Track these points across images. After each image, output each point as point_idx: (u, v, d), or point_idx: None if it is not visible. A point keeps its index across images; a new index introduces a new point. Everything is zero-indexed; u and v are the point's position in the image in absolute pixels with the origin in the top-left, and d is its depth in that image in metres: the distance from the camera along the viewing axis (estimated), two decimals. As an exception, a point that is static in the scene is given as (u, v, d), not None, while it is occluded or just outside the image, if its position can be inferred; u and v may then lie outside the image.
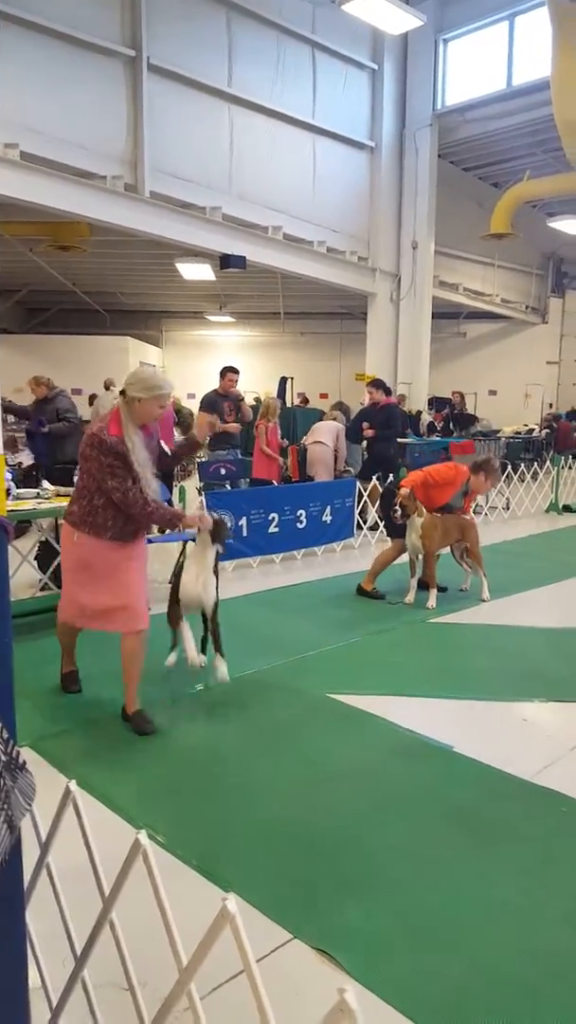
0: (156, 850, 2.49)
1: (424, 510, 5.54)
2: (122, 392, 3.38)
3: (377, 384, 9.05)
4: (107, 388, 12.33)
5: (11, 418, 9.24)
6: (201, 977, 1.27)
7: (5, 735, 1.21)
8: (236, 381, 8.07)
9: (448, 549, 5.95)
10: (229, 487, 7.80)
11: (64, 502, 5.24)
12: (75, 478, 3.69)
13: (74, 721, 3.56)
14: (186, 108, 11.00)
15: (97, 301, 19.97)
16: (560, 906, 2.32)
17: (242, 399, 8.44)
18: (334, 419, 9.57)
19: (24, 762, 1.25)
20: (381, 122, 13.88)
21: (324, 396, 19.39)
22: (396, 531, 5.75)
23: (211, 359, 17.51)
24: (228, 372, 8.00)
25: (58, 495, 5.24)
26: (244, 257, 11.76)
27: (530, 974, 2.04)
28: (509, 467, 10.21)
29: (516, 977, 2.03)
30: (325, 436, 9.11)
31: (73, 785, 1.46)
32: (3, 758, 1.19)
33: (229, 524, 3.58)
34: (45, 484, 5.54)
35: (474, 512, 6.20)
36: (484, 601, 5.78)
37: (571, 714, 3.81)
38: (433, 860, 2.55)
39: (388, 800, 2.93)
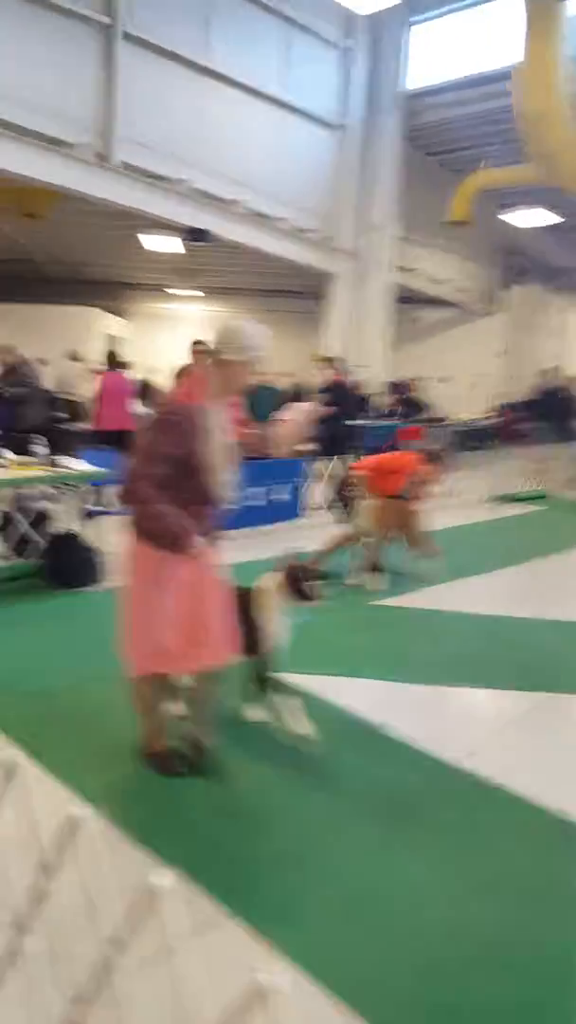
0: (103, 825, 2.55)
1: (371, 494, 5.65)
2: (211, 352, 2.73)
3: (329, 362, 9.10)
4: (72, 360, 12.11)
5: None
6: (133, 952, 1.34)
7: None
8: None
9: (395, 534, 6.09)
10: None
11: (25, 472, 5.17)
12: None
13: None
14: (159, 78, 10.81)
15: (60, 271, 19.41)
16: (478, 885, 2.46)
17: None
18: (310, 400, 9.54)
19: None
20: (350, 102, 13.79)
21: (286, 375, 19.25)
22: (349, 514, 5.85)
23: (175, 333, 17.27)
24: (197, 345, 7.92)
25: (19, 464, 5.16)
26: (209, 231, 11.63)
27: (453, 956, 2.14)
28: (457, 454, 10.38)
29: (440, 959, 2.13)
30: (295, 415, 9.06)
31: (21, 758, 1.51)
32: None
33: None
34: (6, 453, 5.40)
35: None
36: (426, 584, 5.93)
37: (500, 701, 3.98)
38: (360, 839, 2.65)
39: (319, 779, 3.02)
